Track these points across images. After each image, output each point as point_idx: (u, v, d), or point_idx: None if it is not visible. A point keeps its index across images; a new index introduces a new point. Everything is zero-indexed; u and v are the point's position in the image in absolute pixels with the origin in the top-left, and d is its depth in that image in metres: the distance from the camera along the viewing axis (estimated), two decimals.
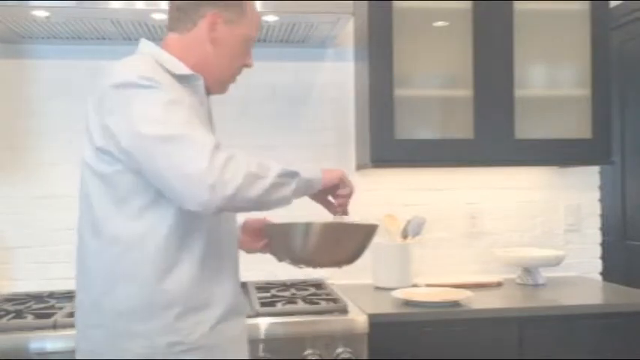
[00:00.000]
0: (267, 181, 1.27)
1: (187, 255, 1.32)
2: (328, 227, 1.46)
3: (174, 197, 1.25)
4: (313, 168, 1.43)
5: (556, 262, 2.45)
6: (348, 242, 1.49)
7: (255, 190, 1.25)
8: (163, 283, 1.30)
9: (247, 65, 1.50)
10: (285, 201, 1.34)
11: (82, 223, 1.38)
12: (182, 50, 1.40)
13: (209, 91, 1.46)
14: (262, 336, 1.82)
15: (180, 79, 1.36)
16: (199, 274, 1.33)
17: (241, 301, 1.46)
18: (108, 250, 1.31)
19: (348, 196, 1.51)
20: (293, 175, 1.34)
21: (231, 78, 1.49)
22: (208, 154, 1.20)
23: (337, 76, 2.57)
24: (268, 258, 1.58)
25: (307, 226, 1.44)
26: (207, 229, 1.35)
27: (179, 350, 1.30)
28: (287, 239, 1.48)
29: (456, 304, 2.05)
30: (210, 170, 1.19)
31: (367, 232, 1.51)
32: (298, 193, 1.36)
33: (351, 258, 1.51)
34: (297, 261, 1.49)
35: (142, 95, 1.26)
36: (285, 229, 1.48)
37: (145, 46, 1.43)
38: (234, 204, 1.24)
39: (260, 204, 1.29)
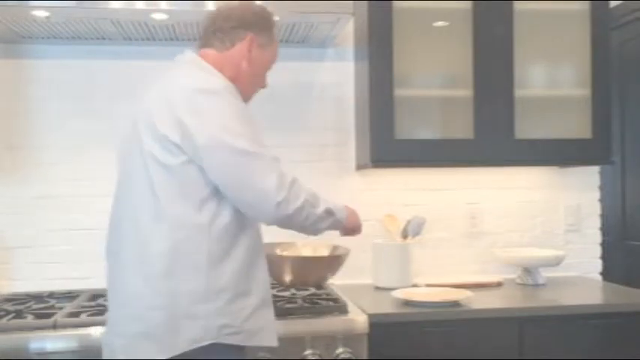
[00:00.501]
0: (317, 211, 1.51)
1: (239, 245, 1.47)
2: (296, 260, 1.89)
3: (241, 205, 1.44)
4: (342, 209, 1.64)
5: (556, 262, 2.45)
6: (313, 271, 1.94)
7: (307, 216, 1.48)
8: (218, 269, 1.42)
9: (264, 86, 1.71)
10: (317, 233, 1.59)
11: (138, 208, 1.47)
12: (219, 65, 1.56)
13: None
14: None
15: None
16: (246, 264, 1.47)
17: (270, 293, 1.58)
18: (171, 235, 1.41)
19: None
20: (331, 213, 1.57)
21: (252, 95, 1.68)
22: (278, 172, 1.43)
23: (337, 76, 2.57)
24: None
25: (280, 258, 1.86)
26: (254, 224, 1.52)
27: (227, 333, 1.42)
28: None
29: (455, 304, 2.05)
30: (279, 189, 1.41)
31: (329, 262, 1.95)
32: (327, 229, 1.60)
33: (318, 282, 1.94)
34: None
35: (226, 105, 1.44)
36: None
37: (198, 57, 1.58)
38: (288, 222, 1.47)
39: (303, 228, 1.53)
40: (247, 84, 1.62)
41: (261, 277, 1.53)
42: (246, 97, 1.62)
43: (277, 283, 1.95)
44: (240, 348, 1.47)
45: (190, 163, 1.42)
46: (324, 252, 2.11)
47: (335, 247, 2.10)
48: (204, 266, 1.41)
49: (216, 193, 1.44)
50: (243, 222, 1.48)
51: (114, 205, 1.60)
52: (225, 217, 1.45)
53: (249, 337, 1.46)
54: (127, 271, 1.46)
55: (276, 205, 1.41)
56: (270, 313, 1.54)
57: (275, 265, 1.83)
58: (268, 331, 1.52)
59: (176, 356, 1.40)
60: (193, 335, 1.40)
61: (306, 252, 2.12)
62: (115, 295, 1.52)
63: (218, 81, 1.49)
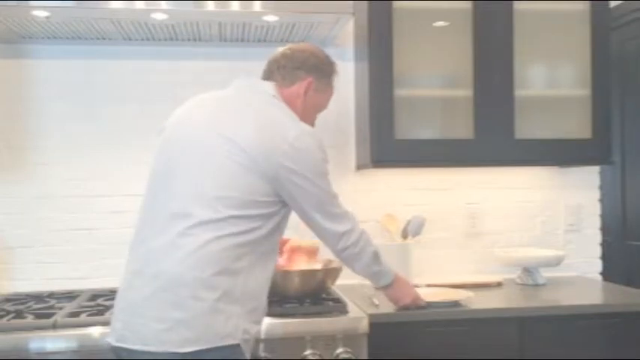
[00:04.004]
0: (374, 268, 1.80)
1: (271, 259, 1.60)
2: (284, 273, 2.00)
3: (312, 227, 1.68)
4: (391, 269, 1.86)
5: (556, 262, 2.45)
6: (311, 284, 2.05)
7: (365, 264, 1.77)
8: (252, 276, 1.52)
9: (312, 126, 1.76)
10: (366, 274, 1.82)
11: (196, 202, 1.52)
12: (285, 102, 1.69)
13: None
14: (262, 336, 1.82)
15: None
16: (268, 277, 1.60)
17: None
18: (225, 235, 1.49)
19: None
20: (379, 260, 1.79)
21: None
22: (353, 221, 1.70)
23: (337, 76, 2.56)
24: None
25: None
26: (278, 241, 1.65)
27: (245, 338, 1.49)
28: None
29: (456, 304, 2.05)
30: (348, 237, 1.68)
31: (326, 274, 2.07)
32: (374, 277, 1.84)
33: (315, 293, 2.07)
34: None
35: (313, 149, 1.58)
36: None
37: (277, 93, 1.69)
38: (347, 253, 1.71)
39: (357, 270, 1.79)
40: None
41: (267, 292, 1.62)
42: None
43: (275, 295, 1.98)
44: (244, 354, 1.51)
45: (260, 179, 1.53)
46: (318, 265, 2.15)
47: (329, 261, 2.15)
48: (247, 271, 1.51)
49: (268, 206, 1.55)
50: (277, 237, 1.62)
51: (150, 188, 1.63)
52: (267, 229, 1.55)
53: (249, 346, 1.53)
54: (179, 263, 1.47)
55: (341, 235, 1.67)
56: (259, 327, 1.65)
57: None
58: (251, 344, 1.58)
59: (207, 349, 1.44)
60: (226, 332, 1.45)
61: (302, 266, 2.14)
62: (152, 279, 1.49)
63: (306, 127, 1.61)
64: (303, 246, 2.13)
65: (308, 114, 1.75)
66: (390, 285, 1.87)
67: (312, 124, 1.76)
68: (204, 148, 1.54)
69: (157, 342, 1.45)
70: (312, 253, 2.15)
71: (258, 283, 1.55)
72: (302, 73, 1.71)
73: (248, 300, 1.51)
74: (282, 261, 2.09)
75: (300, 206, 1.61)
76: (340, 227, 1.66)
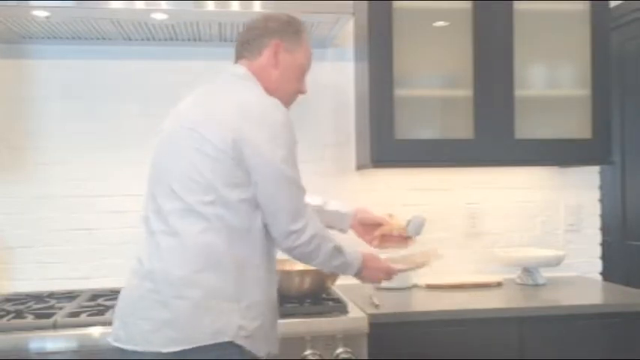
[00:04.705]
0: (334, 263, 1.63)
1: (267, 254, 1.54)
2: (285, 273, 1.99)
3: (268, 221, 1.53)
4: (357, 255, 1.70)
5: (556, 262, 2.45)
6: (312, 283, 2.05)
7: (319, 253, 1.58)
8: (247, 272, 1.49)
9: (302, 92, 1.73)
10: (327, 269, 1.69)
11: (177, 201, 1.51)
12: (257, 76, 1.63)
13: None
14: None
15: None
16: (268, 272, 1.54)
17: (277, 305, 1.63)
18: (209, 232, 1.47)
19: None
20: (341, 252, 1.63)
21: (289, 101, 1.69)
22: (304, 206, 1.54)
23: (337, 76, 2.57)
24: None
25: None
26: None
27: (242, 335, 1.46)
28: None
29: (423, 264, 2.00)
30: (297, 219, 1.52)
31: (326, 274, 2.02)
32: (339, 270, 1.69)
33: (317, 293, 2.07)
34: None
35: (281, 132, 1.50)
36: None
37: (251, 75, 1.63)
38: (297, 252, 1.56)
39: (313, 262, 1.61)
40: (282, 90, 1.65)
41: (274, 287, 1.59)
42: (285, 105, 1.63)
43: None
44: (246, 352, 1.48)
45: (231, 165, 1.48)
46: None
47: None
48: (235, 267, 1.47)
49: (254, 201, 1.50)
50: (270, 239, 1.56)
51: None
52: (252, 218, 1.51)
53: (254, 344, 1.49)
54: (169, 261, 1.47)
55: (289, 233, 1.52)
56: (275, 323, 1.59)
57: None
58: (271, 343, 1.56)
59: (195, 348, 1.43)
60: (216, 330, 1.43)
61: (301, 266, 2.11)
62: (142, 279, 1.51)
63: (270, 100, 1.55)
64: (395, 234, 2.02)
65: (288, 79, 1.67)
66: (359, 271, 1.72)
67: (297, 89, 1.71)
68: (175, 145, 1.54)
69: (145, 342, 1.46)
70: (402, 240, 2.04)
71: (256, 277, 1.50)
72: (266, 39, 1.64)
73: (244, 295, 1.47)
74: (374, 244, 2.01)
75: (256, 184, 1.50)
76: (292, 225, 1.52)
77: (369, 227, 1.99)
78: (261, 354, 1.51)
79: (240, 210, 1.48)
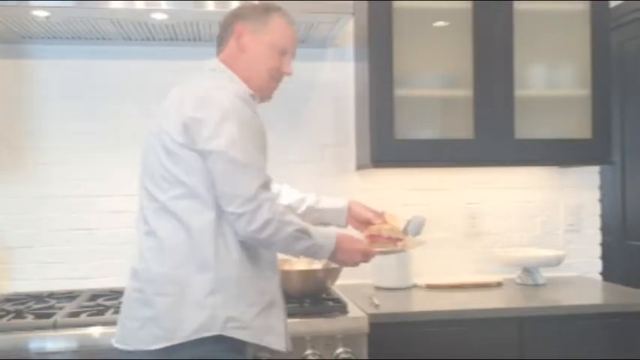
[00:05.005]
0: (289, 229, 1.49)
1: (245, 242, 1.49)
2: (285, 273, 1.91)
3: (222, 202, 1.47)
4: (329, 236, 1.61)
5: (556, 262, 2.45)
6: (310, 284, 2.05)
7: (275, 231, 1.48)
8: (227, 263, 1.47)
9: (285, 72, 1.68)
10: (292, 254, 1.62)
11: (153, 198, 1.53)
12: (231, 66, 1.62)
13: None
14: None
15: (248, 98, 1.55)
16: (255, 261, 1.51)
17: (281, 295, 1.61)
18: (183, 228, 1.47)
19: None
20: (307, 234, 1.53)
21: (268, 83, 1.66)
22: (258, 187, 1.45)
23: (337, 76, 2.57)
24: None
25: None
26: None
27: (233, 326, 1.45)
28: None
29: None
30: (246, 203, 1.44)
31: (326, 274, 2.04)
32: (308, 254, 1.58)
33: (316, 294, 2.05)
34: None
35: (229, 117, 1.46)
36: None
37: (222, 66, 1.63)
38: (251, 237, 1.47)
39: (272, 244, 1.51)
40: (254, 72, 1.62)
41: (273, 277, 1.57)
42: (260, 86, 1.63)
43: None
44: (244, 344, 1.48)
45: (202, 162, 1.47)
46: (319, 265, 2.09)
47: (329, 261, 2.07)
48: (214, 259, 1.46)
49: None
50: None
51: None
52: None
53: (255, 334, 1.48)
54: (149, 259, 1.50)
55: (237, 216, 1.45)
56: (280, 314, 1.57)
57: None
58: (277, 334, 1.53)
59: (182, 344, 1.43)
60: (198, 325, 1.43)
61: (301, 266, 2.14)
62: (131, 278, 1.56)
63: (231, 99, 1.50)
64: (384, 235, 1.95)
65: (259, 60, 1.62)
66: (333, 253, 1.62)
67: (274, 69, 1.64)
68: (148, 145, 1.58)
69: (134, 341, 1.48)
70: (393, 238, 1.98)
71: (241, 268, 1.48)
72: (230, 27, 1.64)
73: (229, 287, 1.46)
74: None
75: (209, 170, 1.47)
76: (239, 209, 1.44)
77: (363, 222, 1.94)
78: (274, 345, 1.50)
79: (208, 199, 1.47)
